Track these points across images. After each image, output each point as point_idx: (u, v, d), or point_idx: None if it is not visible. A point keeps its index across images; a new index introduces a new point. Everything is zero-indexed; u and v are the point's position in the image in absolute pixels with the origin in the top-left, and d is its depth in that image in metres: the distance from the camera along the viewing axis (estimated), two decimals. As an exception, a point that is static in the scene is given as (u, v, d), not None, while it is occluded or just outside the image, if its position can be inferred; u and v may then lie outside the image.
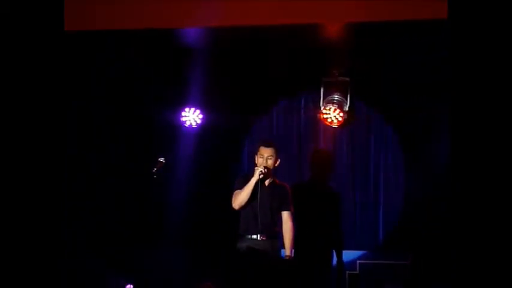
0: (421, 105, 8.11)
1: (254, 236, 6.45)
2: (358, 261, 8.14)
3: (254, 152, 6.69)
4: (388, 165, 8.45)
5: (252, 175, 6.47)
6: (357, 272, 8.07)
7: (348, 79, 8.03)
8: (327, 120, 8.09)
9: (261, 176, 6.38)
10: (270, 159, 6.49)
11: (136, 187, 7.87)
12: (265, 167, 6.42)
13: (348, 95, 8.05)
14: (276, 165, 6.56)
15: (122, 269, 7.68)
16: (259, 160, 6.50)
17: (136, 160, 7.91)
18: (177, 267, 7.89)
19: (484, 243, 6.95)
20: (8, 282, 6.37)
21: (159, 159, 6.76)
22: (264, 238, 6.44)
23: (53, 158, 6.80)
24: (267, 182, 6.57)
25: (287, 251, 6.50)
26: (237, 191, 6.53)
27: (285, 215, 6.57)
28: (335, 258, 7.57)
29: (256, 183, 6.40)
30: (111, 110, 7.97)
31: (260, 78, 8.18)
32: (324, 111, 8.06)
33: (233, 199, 6.52)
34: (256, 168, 6.44)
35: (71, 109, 7.34)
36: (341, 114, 8.04)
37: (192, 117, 8.33)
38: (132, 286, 7.62)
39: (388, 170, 8.44)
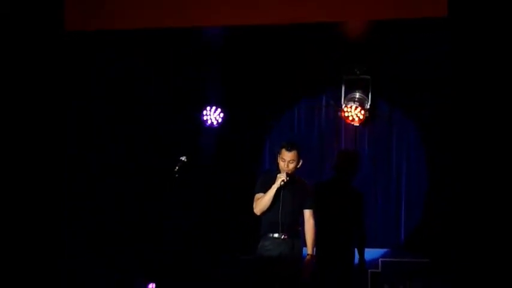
0: (443, 101, 8.07)
1: (276, 235, 6.41)
2: (380, 260, 8.11)
3: (275, 151, 6.65)
4: (410, 163, 8.41)
5: (272, 177, 6.44)
6: (379, 270, 8.04)
7: (369, 77, 8.01)
8: (348, 119, 8.07)
9: (282, 183, 6.34)
10: (292, 163, 6.43)
11: (136, 187, 7.89)
12: (287, 174, 6.36)
13: (369, 93, 8.03)
14: (298, 167, 6.51)
15: (143, 268, 7.70)
16: (280, 163, 6.46)
17: (137, 159, 7.92)
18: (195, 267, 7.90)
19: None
20: (8, 282, 6.40)
21: (180, 158, 6.76)
22: (286, 237, 6.41)
23: (53, 158, 6.84)
24: (290, 184, 6.50)
25: (309, 249, 6.48)
26: (258, 196, 6.49)
27: (307, 214, 6.55)
28: (357, 257, 7.54)
29: (279, 188, 6.37)
30: (111, 110, 7.94)
31: (282, 77, 8.18)
32: (345, 109, 8.04)
33: (254, 204, 6.49)
34: (278, 176, 6.37)
35: (71, 109, 7.37)
36: (362, 112, 8.01)
37: (213, 116, 8.35)
38: (154, 285, 7.65)
39: (410, 168, 8.40)
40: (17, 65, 6.74)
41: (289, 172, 6.40)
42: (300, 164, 6.52)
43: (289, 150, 6.43)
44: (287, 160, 6.41)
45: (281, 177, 6.34)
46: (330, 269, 7.31)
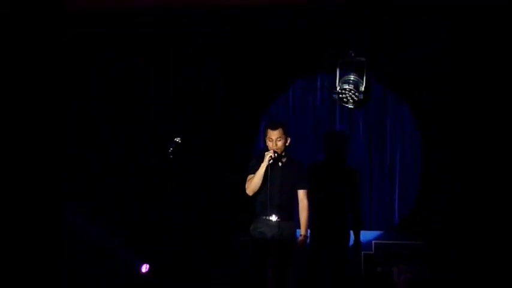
0: (438, 85, 8.08)
1: (269, 218, 6.36)
2: (373, 242, 8.14)
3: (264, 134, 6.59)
4: (405, 145, 8.44)
5: (262, 160, 6.38)
6: (372, 252, 8.07)
7: (364, 59, 7.98)
8: (343, 100, 8.05)
9: (271, 161, 6.29)
10: (279, 140, 6.38)
11: (137, 186, 7.89)
12: (275, 151, 6.32)
13: (364, 75, 8.01)
14: (287, 144, 6.46)
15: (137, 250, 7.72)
16: (269, 144, 6.41)
17: (137, 159, 7.91)
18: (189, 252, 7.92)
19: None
20: (8, 282, 6.40)
21: (175, 139, 6.74)
22: (279, 219, 6.36)
23: (53, 158, 6.83)
24: (280, 162, 6.49)
25: (302, 230, 6.41)
26: (249, 177, 6.44)
27: (301, 194, 6.49)
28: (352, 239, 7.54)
29: (268, 168, 6.31)
30: (111, 110, 7.92)
31: (276, 59, 8.16)
32: (340, 91, 8.02)
33: (246, 185, 6.44)
34: (266, 153, 6.33)
35: (71, 109, 7.35)
36: (357, 94, 7.99)
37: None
38: (148, 265, 7.66)
39: (404, 150, 8.43)
40: (17, 65, 6.71)
41: (279, 150, 6.36)
42: (289, 141, 6.46)
43: (273, 128, 6.39)
44: (274, 139, 6.37)
45: (268, 154, 6.29)
46: (325, 250, 7.30)
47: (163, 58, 7.92)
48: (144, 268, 7.65)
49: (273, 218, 6.36)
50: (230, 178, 7.98)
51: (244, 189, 6.44)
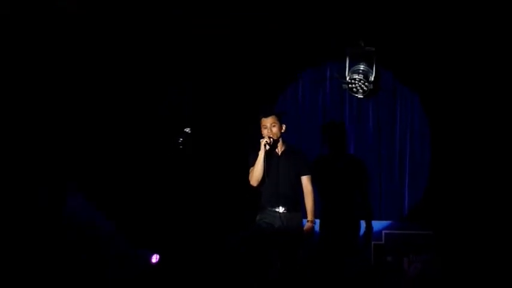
0: (448, 74, 8.06)
1: (275, 209, 6.33)
2: (383, 232, 8.13)
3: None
4: (414, 135, 8.41)
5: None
6: (383, 242, 8.06)
7: (373, 49, 7.96)
8: (352, 90, 8.03)
9: (267, 147, 6.26)
10: (274, 126, 6.36)
11: (147, 177, 7.88)
12: (270, 137, 6.29)
13: (374, 65, 7.99)
14: (282, 131, 6.42)
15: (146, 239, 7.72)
16: (264, 132, 6.38)
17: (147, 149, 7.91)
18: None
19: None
20: (8, 282, 6.43)
21: (184, 130, 6.73)
22: (284, 210, 6.32)
23: (53, 158, 6.85)
24: (279, 151, 6.46)
25: (309, 216, 6.37)
26: (252, 168, 6.42)
27: (305, 180, 6.44)
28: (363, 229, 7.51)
29: (268, 155, 6.28)
30: (112, 110, 7.91)
31: (286, 49, 8.14)
32: (350, 81, 8.00)
33: (249, 177, 6.42)
34: (260, 140, 6.31)
35: (71, 109, 7.36)
36: (366, 83, 7.97)
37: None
38: (158, 256, 7.67)
39: (414, 140, 8.41)
40: (17, 65, 6.74)
41: (274, 136, 6.33)
42: (284, 128, 6.43)
43: (266, 115, 6.38)
44: (268, 125, 6.35)
45: (263, 140, 6.27)
46: (335, 241, 7.28)
47: (171, 49, 7.91)
48: (155, 258, 7.66)
49: (278, 208, 6.33)
50: (240, 170, 7.96)
51: (249, 182, 6.42)
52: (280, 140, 6.46)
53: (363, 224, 7.32)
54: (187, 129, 6.73)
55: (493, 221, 7.65)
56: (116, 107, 7.82)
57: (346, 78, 8.02)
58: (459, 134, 8.10)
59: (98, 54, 7.56)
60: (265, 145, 6.25)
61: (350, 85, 7.98)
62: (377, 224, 7.97)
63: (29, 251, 6.78)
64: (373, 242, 7.93)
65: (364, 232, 7.26)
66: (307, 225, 6.37)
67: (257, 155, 6.31)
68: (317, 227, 6.83)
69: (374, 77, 8.00)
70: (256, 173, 6.33)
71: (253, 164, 6.38)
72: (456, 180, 8.05)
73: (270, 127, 6.35)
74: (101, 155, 7.73)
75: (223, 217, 8.05)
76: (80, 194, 7.41)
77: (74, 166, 7.40)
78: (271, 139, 6.29)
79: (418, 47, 8.00)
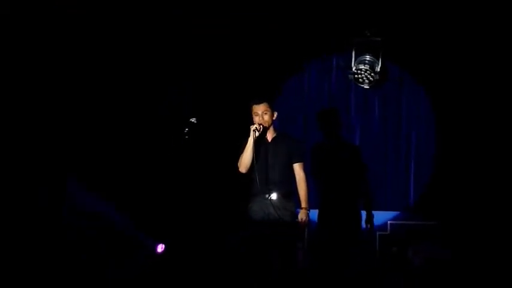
0: (453, 65, 8.05)
1: (266, 195, 6.21)
2: (389, 222, 8.14)
3: (284, 114, 6.58)
4: (420, 126, 8.41)
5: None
6: (388, 232, 8.07)
7: (379, 39, 7.94)
8: (358, 81, 8.02)
9: (257, 133, 6.16)
10: (266, 114, 6.26)
11: (152, 168, 7.89)
12: (260, 124, 6.19)
13: (380, 56, 7.97)
14: (274, 118, 6.34)
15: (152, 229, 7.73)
16: (255, 119, 6.27)
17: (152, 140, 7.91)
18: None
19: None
20: (8, 282, 6.45)
21: (190, 120, 6.72)
22: (275, 197, 6.20)
23: (53, 158, 6.86)
24: (270, 138, 6.34)
25: (302, 203, 6.24)
26: (241, 154, 6.33)
27: (297, 167, 6.31)
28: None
29: (257, 142, 6.19)
30: (112, 110, 7.91)
31: (291, 38, 8.12)
32: (356, 71, 7.99)
33: (238, 163, 6.32)
34: (250, 127, 6.21)
35: (71, 109, 7.36)
36: (372, 74, 7.96)
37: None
38: (163, 245, 7.68)
39: (419, 131, 8.41)
40: (17, 65, 6.75)
41: (266, 124, 6.25)
42: (276, 115, 6.35)
43: (258, 103, 6.28)
44: (260, 112, 6.25)
45: (253, 127, 6.18)
46: (337, 232, 7.24)
47: (171, 49, 7.91)
48: (160, 248, 7.68)
49: (268, 195, 6.21)
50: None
51: (237, 168, 6.31)
52: (272, 127, 6.36)
53: (363, 214, 7.28)
54: (193, 119, 6.68)
55: (498, 212, 7.65)
56: (116, 107, 7.82)
57: (352, 68, 8.01)
58: (465, 125, 8.09)
59: (98, 54, 7.58)
60: (254, 131, 6.16)
61: (356, 75, 7.96)
62: (382, 215, 7.99)
63: (29, 250, 6.81)
64: (378, 233, 7.94)
65: (366, 219, 7.21)
66: (301, 212, 6.23)
67: (246, 141, 6.23)
68: (312, 217, 6.76)
69: (380, 68, 7.99)
70: (245, 159, 6.23)
71: (242, 150, 6.29)
72: (461, 171, 8.05)
73: (261, 114, 6.26)
74: (101, 154, 7.75)
75: (223, 217, 8.05)
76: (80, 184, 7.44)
77: (74, 166, 7.41)
78: (261, 126, 6.20)
79: (425, 37, 7.98)
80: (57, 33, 7.11)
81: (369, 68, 7.91)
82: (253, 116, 6.30)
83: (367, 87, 8.03)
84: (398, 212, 8.27)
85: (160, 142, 7.89)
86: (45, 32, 6.98)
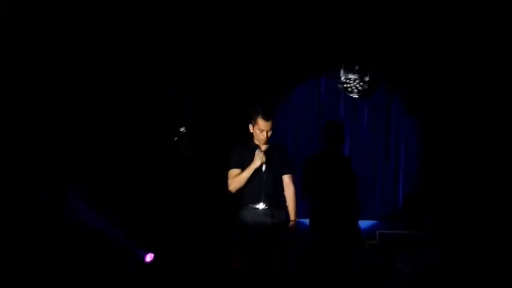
0: (442, 71, 8.08)
1: (256, 206, 6.15)
2: (377, 231, 8.14)
3: (251, 121, 6.22)
4: (409, 135, 8.43)
5: (248, 149, 6.17)
6: (377, 241, 8.08)
7: (369, 48, 7.96)
8: (347, 90, 8.04)
9: (263, 166, 6.09)
10: (270, 132, 6.13)
11: (141, 176, 7.88)
12: (264, 151, 6.12)
13: (369, 65, 7.99)
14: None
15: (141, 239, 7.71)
16: (256, 132, 6.13)
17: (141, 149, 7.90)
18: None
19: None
20: (8, 282, 6.43)
21: (180, 129, 6.72)
22: (265, 207, 6.14)
23: (53, 158, 6.85)
24: (263, 149, 6.22)
25: (291, 215, 6.22)
26: (233, 171, 6.18)
27: (286, 179, 6.25)
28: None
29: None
30: (112, 111, 7.91)
31: (286, 47, 8.12)
32: (345, 81, 8.01)
33: (230, 181, 6.19)
34: (257, 154, 6.08)
35: (71, 109, 7.36)
36: (361, 83, 7.98)
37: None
38: (153, 255, 7.67)
39: (409, 141, 8.42)
40: (17, 65, 6.75)
41: (266, 142, 6.16)
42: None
43: (267, 119, 6.09)
44: (265, 130, 6.11)
45: (261, 159, 6.08)
46: (334, 234, 7.24)
47: (171, 49, 7.92)
48: (149, 257, 7.65)
49: (258, 205, 6.17)
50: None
51: (227, 185, 6.24)
52: None
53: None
54: (183, 129, 6.69)
55: (488, 220, 7.68)
56: (116, 108, 7.81)
57: (341, 78, 8.02)
58: (454, 134, 8.12)
59: (98, 54, 7.57)
60: (260, 162, 6.08)
61: (345, 85, 7.98)
62: (371, 224, 7.99)
63: (29, 251, 6.78)
64: (367, 242, 7.94)
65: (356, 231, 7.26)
66: (290, 224, 6.22)
67: (242, 158, 6.16)
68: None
69: (369, 77, 8.01)
70: (240, 183, 6.14)
71: (236, 166, 6.19)
72: (450, 180, 8.08)
73: (266, 132, 6.12)
74: (101, 155, 7.73)
75: (223, 217, 8.04)
76: (79, 192, 7.42)
77: (74, 166, 7.39)
78: (265, 152, 6.14)
79: (413, 45, 8.02)
80: (57, 33, 7.10)
81: (358, 77, 7.93)
82: (255, 129, 6.16)
83: (357, 96, 8.06)
84: (387, 221, 8.28)
85: (160, 142, 7.87)
86: (45, 32, 6.97)
